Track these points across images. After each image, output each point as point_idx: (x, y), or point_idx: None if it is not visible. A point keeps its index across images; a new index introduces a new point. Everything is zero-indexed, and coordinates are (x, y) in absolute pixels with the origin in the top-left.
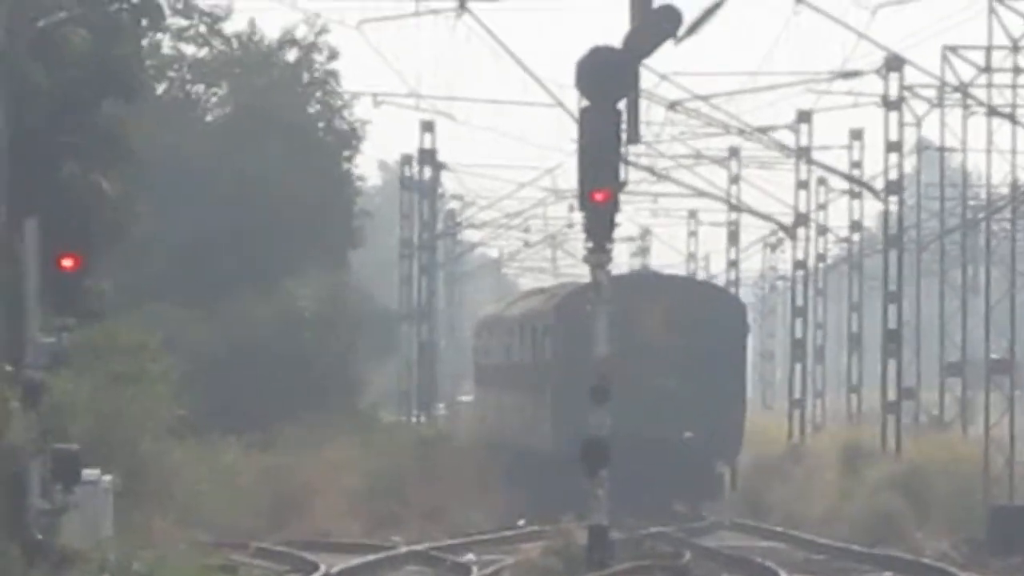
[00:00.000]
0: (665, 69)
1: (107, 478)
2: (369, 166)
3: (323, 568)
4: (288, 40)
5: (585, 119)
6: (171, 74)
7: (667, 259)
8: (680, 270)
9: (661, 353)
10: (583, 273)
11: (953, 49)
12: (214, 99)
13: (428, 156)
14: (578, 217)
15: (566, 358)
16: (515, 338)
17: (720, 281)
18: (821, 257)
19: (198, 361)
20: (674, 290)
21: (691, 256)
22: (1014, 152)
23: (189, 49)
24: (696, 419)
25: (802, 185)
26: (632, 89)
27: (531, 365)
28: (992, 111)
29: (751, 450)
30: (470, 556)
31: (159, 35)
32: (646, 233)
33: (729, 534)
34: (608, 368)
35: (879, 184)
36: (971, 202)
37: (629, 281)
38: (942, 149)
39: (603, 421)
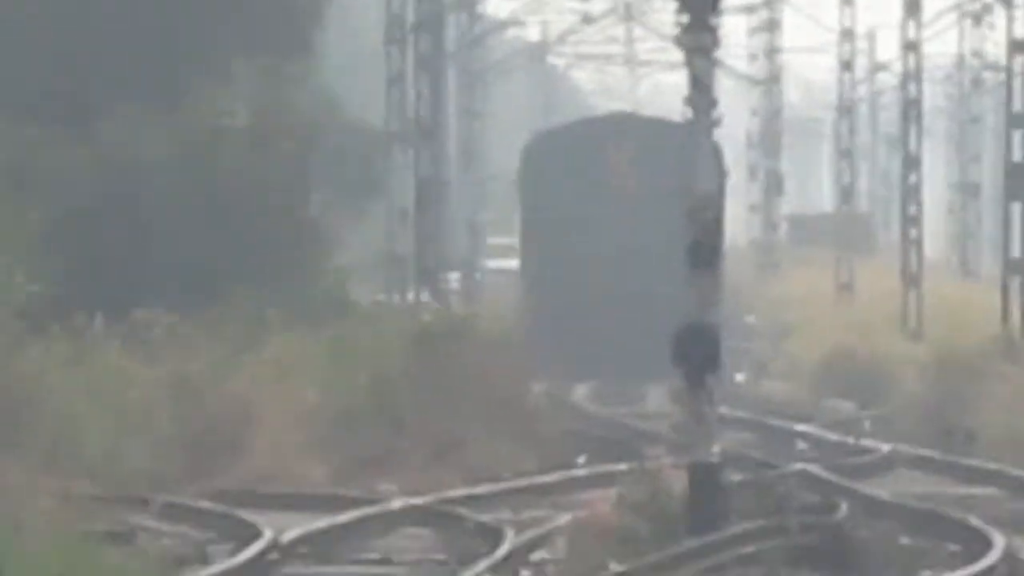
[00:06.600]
0: None
1: None
2: None
3: (268, 534)
4: None
5: None
6: None
7: (807, 38)
8: (829, 54)
9: (629, 203)
10: (673, 59)
11: None
12: None
13: None
14: None
15: (535, 215)
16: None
17: (894, 71)
18: None
19: (63, 208)
20: (643, 134)
21: (845, 34)
22: None
23: None
24: (671, 274)
25: None
26: None
27: (517, 222)
28: None
29: (940, 339)
30: (505, 513)
31: None
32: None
33: (909, 473)
34: (710, 217)
35: None
36: None
37: (599, 125)
38: None
39: (708, 299)
